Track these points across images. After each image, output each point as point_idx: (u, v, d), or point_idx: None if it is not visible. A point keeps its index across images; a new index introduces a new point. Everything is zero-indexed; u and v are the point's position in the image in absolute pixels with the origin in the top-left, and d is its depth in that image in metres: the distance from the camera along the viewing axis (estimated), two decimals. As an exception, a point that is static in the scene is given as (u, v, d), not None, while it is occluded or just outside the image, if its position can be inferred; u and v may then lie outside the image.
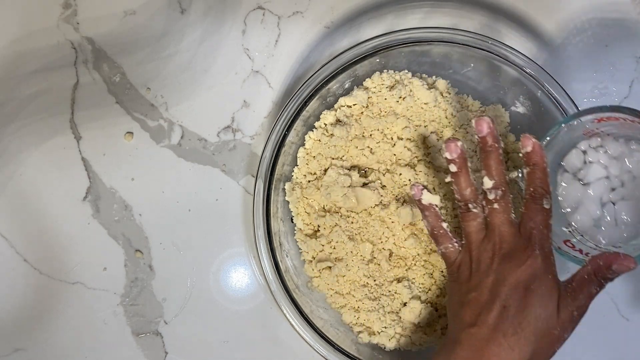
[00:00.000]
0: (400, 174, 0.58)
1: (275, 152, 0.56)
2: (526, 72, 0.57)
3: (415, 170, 0.58)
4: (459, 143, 0.50)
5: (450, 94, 0.60)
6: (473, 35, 0.57)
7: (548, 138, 0.50)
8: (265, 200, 0.56)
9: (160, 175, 0.63)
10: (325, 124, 0.59)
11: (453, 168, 0.50)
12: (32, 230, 0.62)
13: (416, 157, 0.59)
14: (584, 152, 0.52)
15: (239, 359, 0.63)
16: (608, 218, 0.50)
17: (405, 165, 0.58)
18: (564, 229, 0.52)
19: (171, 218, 0.62)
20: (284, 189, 0.59)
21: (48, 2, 0.62)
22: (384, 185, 0.58)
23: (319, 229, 0.59)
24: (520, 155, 0.49)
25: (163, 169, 0.63)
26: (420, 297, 0.58)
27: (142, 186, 0.63)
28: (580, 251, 0.50)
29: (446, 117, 0.59)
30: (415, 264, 0.58)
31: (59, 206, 0.62)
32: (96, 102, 0.62)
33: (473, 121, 0.50)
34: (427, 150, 0.59)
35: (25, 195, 0.62)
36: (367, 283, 0.58)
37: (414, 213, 0.57)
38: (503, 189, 0.49)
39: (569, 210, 0.51)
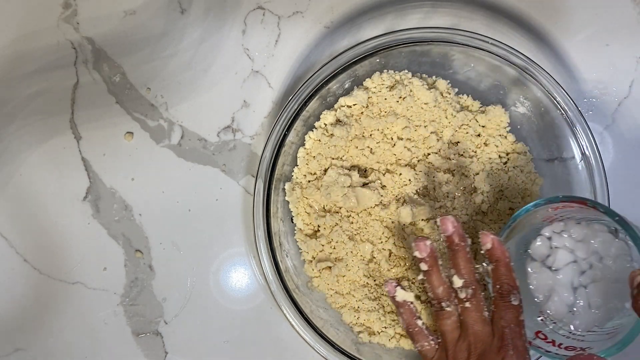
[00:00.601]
0: (400, 174, 0.58)
1: (275, 152, 0.56)
2: (526, 72, 0.57)
3: (415, 170, 0.58)
4: (428, 242, 0.50)
5: (450, 94, 0.60)
6: (473, 35, 0.57)
7: (507, 230, 0.51)
8: (265, 200, 0.56)
9: (160, 175, 0.63)
10: (325, 124, 0.59)
11: (424, 267, 0.51)
12: (32, 230, 0.62)
13: (416, 157, 0.59)
14: (549, 238, 0.51)
15: (239, 359, 0.63)
16: (581, 302, 0.49)
17: (405, 165, 0.58)
18: (537, 318, 0.51)
19: (171, 218, 0.62)
20: (284, 189, 0.59)
21: (48, 2, 0.62)
22: (384, 185, 0.58)
23: (319, 229, 0.59)
24: (482, 252, 0.50)
25: (163, 169, 0.63)
26: (420, 297, 0.58)
27: (142, 186, 0.63)
28: (553, 342, 0.49)
29: (446, 117, 0.59)
30: (415, 264, 0.58)
31: (59, 206, 0.62)
32: (96, 102, 0.62)
33: (438, 220, 0.50)
34: (427, 150, 0.59)
35: (25, 195, 0.62)
36: (367, 283, 0.58)
37: (414, 213, 0.57)
38: (473, 287, 0.49)
39: (541, 298, 0.50)
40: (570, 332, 0.49)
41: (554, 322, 0.50)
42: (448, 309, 0.50)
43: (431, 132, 0.59)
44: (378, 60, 0.58)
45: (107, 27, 0.62)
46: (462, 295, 0.49)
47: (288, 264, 0.59)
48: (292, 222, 0.60)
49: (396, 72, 0.59)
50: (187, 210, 0.63)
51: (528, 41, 0.64)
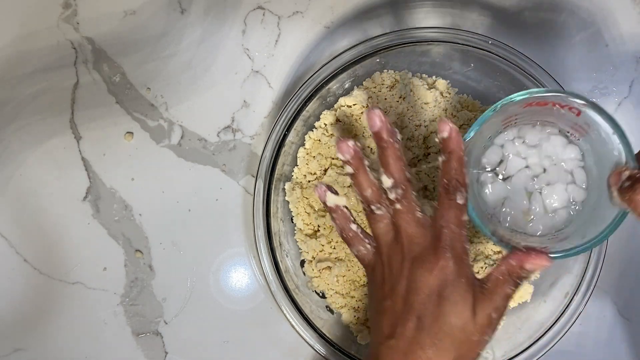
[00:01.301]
0: None
1: (275, 152, 0.56)
2: (526, 72, 0.57)
3: (415, 169, 0.58)
4: (350, 142, 0.46)
5: (450, 94, 0.60)
6: (473, 35, 0.57)
7: (472, 134, 0.46)
8: (265, 200, 0.56)
9: (160, 175, 0.63)
10: (325, 124, 0.59)
11: (349, 169, 0.47)
12: (32, 230, 0.62)
13: (416, 157, 0.59)
14: (502, 146, 0.50)
15: (239, 359, 0.63)
16: (537, 208, 0.48)
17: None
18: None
19: (171, 218, 0.62)
20: (284, 189, 0.59)
21: (48, 2, 0.62)
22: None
23: (319, 229, 0.59)
24: (437, 140, 0.46)
25: (163, 169, 0.63)
26: None
27: (142, 186, 0.63)
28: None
29: (446, 117, 0.59)
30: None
31: (59, 206, 0.62)
32: (96, 102, 0.62)
33: (364, 114, 0.45)
34: (427, 150, 0.59)
35: (25, 195, 0.62)
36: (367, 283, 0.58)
37: None
38: (403, 186, 0.45)
39: (496, 209, 0.49)
40: (528, 236, 0.48)
41: (512, 231, 0.49)
42: (379, 212, 0.46)
43: (431, 132, 0.59)
44: (378, 60, 0.58)
45: (107, 27, 0.62)
46: (392, 195, 0.45)
47: (288, 264, 0.59)
48: (292, 222, 0.60)
49: (396, 72, 0.59)
50: (187, 210, 0.63)
51: (528, 41, 0.64)
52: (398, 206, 0.45)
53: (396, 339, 0.42)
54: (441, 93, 0.59)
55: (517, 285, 0.43)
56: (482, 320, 0.42)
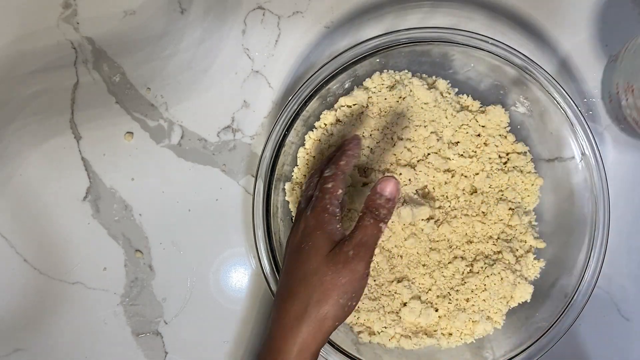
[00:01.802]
0: (400, 174, 0.58)
1: (275, 152, 0.56)
2: (526, 72, 0.57)
3: (415, 170, 0.58)
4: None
5: (450, 94, 0.60)
6: (473, 35, 0.57)
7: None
8: (265, 200, 0.56)
9: (160, 175, 0.63)
10: (325, 124, 0.59)
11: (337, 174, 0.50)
12: (32, 230, 0.62)
13: (416, 157, 0.58)
14: None
15: (239, 359, 0.63)
16: None
17: (405, 165, 0.58)
18: None
19: (171, 218, 0.62)
20: (284, 189, 0.59)
21: (48, 2, 0.62)
22: None
23: None
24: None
25: (163, 169, 0.63)
26: (420, 297, 0.58)
27: (142, 186, 0.63)
28: None
29: (446, 117, 0.59)
30: (415, 264, 0.58)
31: (59, 206, 0.62)
32: (96, 102, 0.62)
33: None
34: (427, 150, 0.59)
35: (25, 195, 0.62)
36: (367, 283, 0.58)
37: (413, 213, 0.57)
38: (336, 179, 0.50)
39: None
40: None
41: None
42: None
43: (431, 132, 0.59)
44: (378, 60, 0.58)
45: (107, 27, 0.62)
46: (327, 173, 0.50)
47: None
48: (292, 222, 0.60)
49: (396, 72, 0.59)
50: (187, 210, 0.63)
51: (528, 41, 0.64)
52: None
53: (303, 327, 0.46)
54: (441, 93, 0.59)
55: (375, 217, 0.47)
56: (338, 259, 0.46)
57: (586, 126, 0.57)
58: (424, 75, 0.60)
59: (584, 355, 0.63)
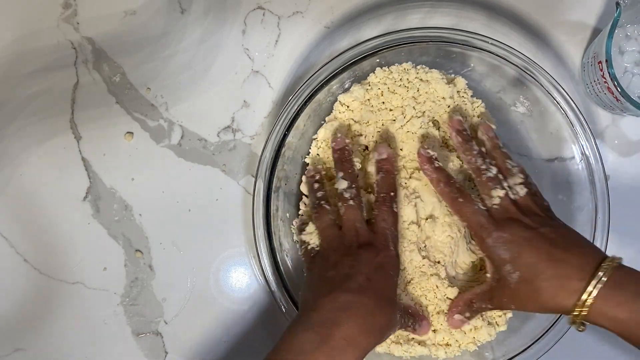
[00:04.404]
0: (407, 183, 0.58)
1: (275, 152, 0.56)
2: (526, 72, 0.57)
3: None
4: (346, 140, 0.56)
5: (467, 94, 0.60)
6: (473, 35, 0.57)
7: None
8: (265, 200, 0.56)
9: (160, 175, 0.63)
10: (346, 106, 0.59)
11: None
12: (32, 230, 0.62)
13: (432, 147, 0.59)
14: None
15: (239, 359, 0.63)
16: None
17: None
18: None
19: (171, 218, 0.62)
20: (283, 190, 0.59)
21: (48, 2, 0.62)
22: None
23: None
24: (374, 161, 0.55)
25: (163, 169, 0.63)
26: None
27: (142, 186, 0.63)
28: None
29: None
30: (415, 275, 0.58)
31: (59, 206, 0.62)
32: (96, 102, 0.62)
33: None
34: (445, 143, 0.59)
35: (25, 195, 0.62)
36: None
37: (417, 211, 0.57)
38: (354, 187, 0.54)
39: None
40: None
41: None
42: (326, 206, 0.54)
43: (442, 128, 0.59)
44: (378, 60, 0.58)
45: (107, 27, 0.62)
46: (347, 195, 0.53)
47: (288, 264, 0.59)
48: (292, 224, 0.60)
49: (421, 66, 0.59)
50: (187, 210, 0.63)
51: (528, 41, 0.64)
52: (351, 202, 0.53)
53: (341, 291, 0.47)
54: (458, 91, 0.59)
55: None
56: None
57: (586, 126, 0.57)
58: (442, 71, 0.60)
59: (584, 355, 0.63)
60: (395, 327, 0.51)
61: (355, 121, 0.59)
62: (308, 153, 0.60)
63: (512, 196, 0.52)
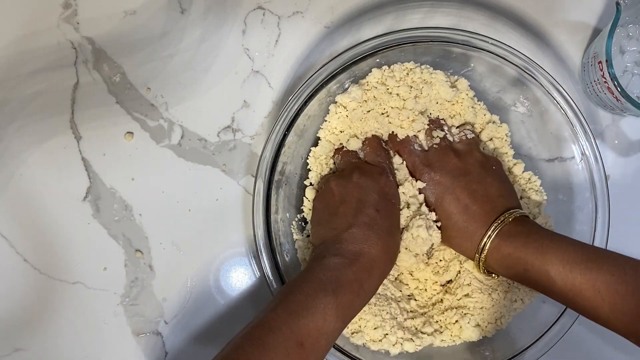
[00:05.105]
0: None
1: (275, 152, 0.56)
2: (526, 72, 0.57)
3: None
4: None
5: (468, 95, 0.60)
6: (473, 35, 0.57)
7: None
8: (265, 200, 0.56)
9: (160, 175, 0.63)
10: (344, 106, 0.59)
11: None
12: (32, 230, 0.62)
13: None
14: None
15: (239, 359, 0.63)
16: None
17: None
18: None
19: (171, 218, 0.62)
20: (283, 190, 0.59)
21: (48, 2, 0.62)
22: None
23: None
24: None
25: (163, 169, 0.63)
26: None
27: (142, 186, 0.63)
28: None
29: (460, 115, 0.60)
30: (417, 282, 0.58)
31: (59, 206, 0.62)
32: (96, 102, 0.62)
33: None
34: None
35: (25, 195, 0.62)
36: None
37: (430, 236, 0.57)
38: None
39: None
40: None
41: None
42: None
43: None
44: (378, 60, 0.58)
45: (107, 27, 0.62)
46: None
47: (288, 264, 0.58)
48: (292, 223, 0.60)
49: (419, 64, 0.59)
50: (187, 210, 0.63)
51: (528, 41, 0.64)
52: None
53: (357, 226, 0.52)
54: (460, 93, 0.59)
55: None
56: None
57: (586, 126, 0.58)
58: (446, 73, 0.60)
59: (584, 355, 0.63)
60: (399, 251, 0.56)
61: (351, 122, 0.59)
62: (308, 153, 0.60)
63: (450, 138, 0.58)
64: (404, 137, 0.58)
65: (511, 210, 0.53)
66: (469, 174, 0.55)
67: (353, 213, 0.52)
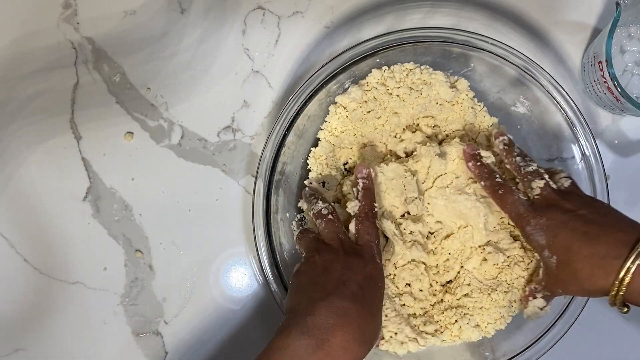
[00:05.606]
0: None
1: (275, 152, 0.56)
2: (526, 72, 0.57)
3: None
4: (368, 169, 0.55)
5: (468, 95, 0.60)
6: (473, 35, 0.57)
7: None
8: (265, 200, 0.56)
9: (160, 175, 0.63)
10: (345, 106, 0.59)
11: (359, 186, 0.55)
12: (32, 230, 0.62)
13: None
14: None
15: (239, 359, 0.63)
16: None
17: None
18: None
19: (171, 218, 0.62)
20: (283, 190, 0.59)
21: (48, 2, 0.62)
22: None
23: None
24: (354, 178, 0.55)
25: (163, 169, 0.63)
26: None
27: (142, 186, 0.63)
28: None
29: (463, 118, 0.60)
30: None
31: (59, 206, 0.62)
32: (96, 102, 0.62)
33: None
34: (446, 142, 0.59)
35: (25, 195, 0.62)
36: None
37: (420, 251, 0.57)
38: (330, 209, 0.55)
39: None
40: None
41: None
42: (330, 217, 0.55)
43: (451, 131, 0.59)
44: (378, 60, 0.58)
45: (107, 27, 0.62)
46: (325, 212, 0.54)
47: (288, 264, 0.58)
48: (292, 223, 0.60)
49: (419, 65, 0.59)
50: (187, 210, 0.63)
51: (528, 41, 0.64)
52: (331, 217, 0.54)
53: (336, 296, 0.47)
54: (460, 94, 0.59)
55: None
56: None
57: (586, 126, 0.57)
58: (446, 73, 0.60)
59: (584, 356, 0.63)
60: (380, 337, 0.53)
61: (351, 123, 0.59)
62: (308, 153, 0.60)
63: (553, 186, 0.52)
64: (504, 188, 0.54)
65: None
66: (580, 207, 0.50)
67: (334, 284, 0.48)
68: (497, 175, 0.55)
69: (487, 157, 0.56)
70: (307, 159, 0.60)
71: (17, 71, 0.62)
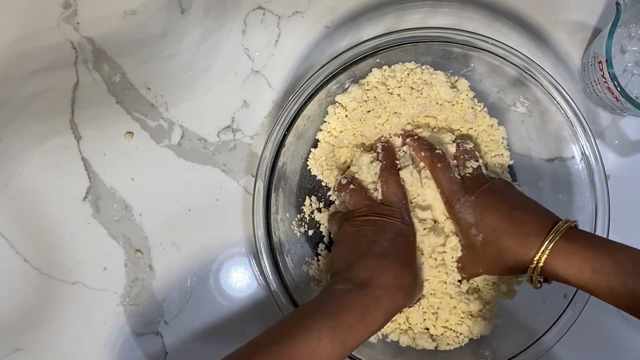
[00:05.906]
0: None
1: (275, 152, 0.56)
2: (526, 72, 0.57)
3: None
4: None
5: (468, 95, 0.60)
6: (473, 35, 0.57)
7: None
8: (265, 200, 0.56)
9: (160, 175, 0.63)
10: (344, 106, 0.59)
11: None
12: (32, 230, 0.62)
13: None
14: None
15: (239, 359, 0.63)
16: None
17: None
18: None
19: (171, 218, 0.62)
20: (283, 189, 0.59)
21: (48, 2, 0.62)
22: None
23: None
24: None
25: (163, 169, 0.63)
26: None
27: (142, 186, 0.63)
28: None
29: (463, 118, 0.60)
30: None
31: (59, 206, 0.62)
32: (96, 102, 0.62)
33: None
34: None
35: (25, 195, 0.62)
36: None
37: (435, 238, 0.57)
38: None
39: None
40: None
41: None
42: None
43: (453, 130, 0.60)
44: (378, 60, 0.58)
45: (107, 27, 0.62)
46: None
47: (288, 264, 0.59)
48: (292, 223, 0.60)
49: (422, 65, 0.59)
50: (187, 210, 0.63)
51: (528, 41, 0.64)
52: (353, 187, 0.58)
53: (370, 255, 0.51)
54: (460, 94, 0.59)
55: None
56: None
57: (586, 126, 0.57)
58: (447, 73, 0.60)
59: (583, 355, 0.63)
60: (422, 292, 0.56)
61: (351, 122, 0.59)
62: (308, 153, 0.60)
63: (484, 170, 0.57)
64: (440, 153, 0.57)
65: (567, 219, 0.50)
66: (506, 193, 0.55)
67: (367, 245, 0.52)
68: (438, 148, 0.57)
69: (476, 162, 0.57)
70: (307, 159, 0.60)
71: (17, 71, 0.62)
